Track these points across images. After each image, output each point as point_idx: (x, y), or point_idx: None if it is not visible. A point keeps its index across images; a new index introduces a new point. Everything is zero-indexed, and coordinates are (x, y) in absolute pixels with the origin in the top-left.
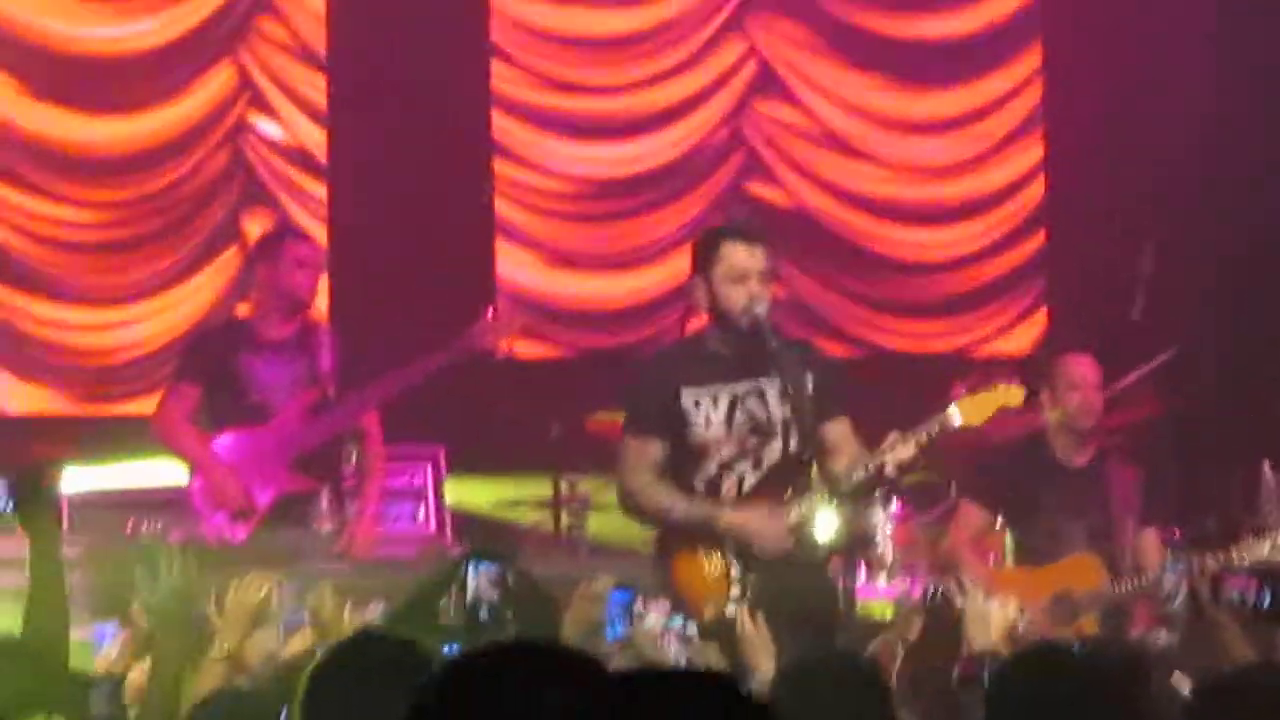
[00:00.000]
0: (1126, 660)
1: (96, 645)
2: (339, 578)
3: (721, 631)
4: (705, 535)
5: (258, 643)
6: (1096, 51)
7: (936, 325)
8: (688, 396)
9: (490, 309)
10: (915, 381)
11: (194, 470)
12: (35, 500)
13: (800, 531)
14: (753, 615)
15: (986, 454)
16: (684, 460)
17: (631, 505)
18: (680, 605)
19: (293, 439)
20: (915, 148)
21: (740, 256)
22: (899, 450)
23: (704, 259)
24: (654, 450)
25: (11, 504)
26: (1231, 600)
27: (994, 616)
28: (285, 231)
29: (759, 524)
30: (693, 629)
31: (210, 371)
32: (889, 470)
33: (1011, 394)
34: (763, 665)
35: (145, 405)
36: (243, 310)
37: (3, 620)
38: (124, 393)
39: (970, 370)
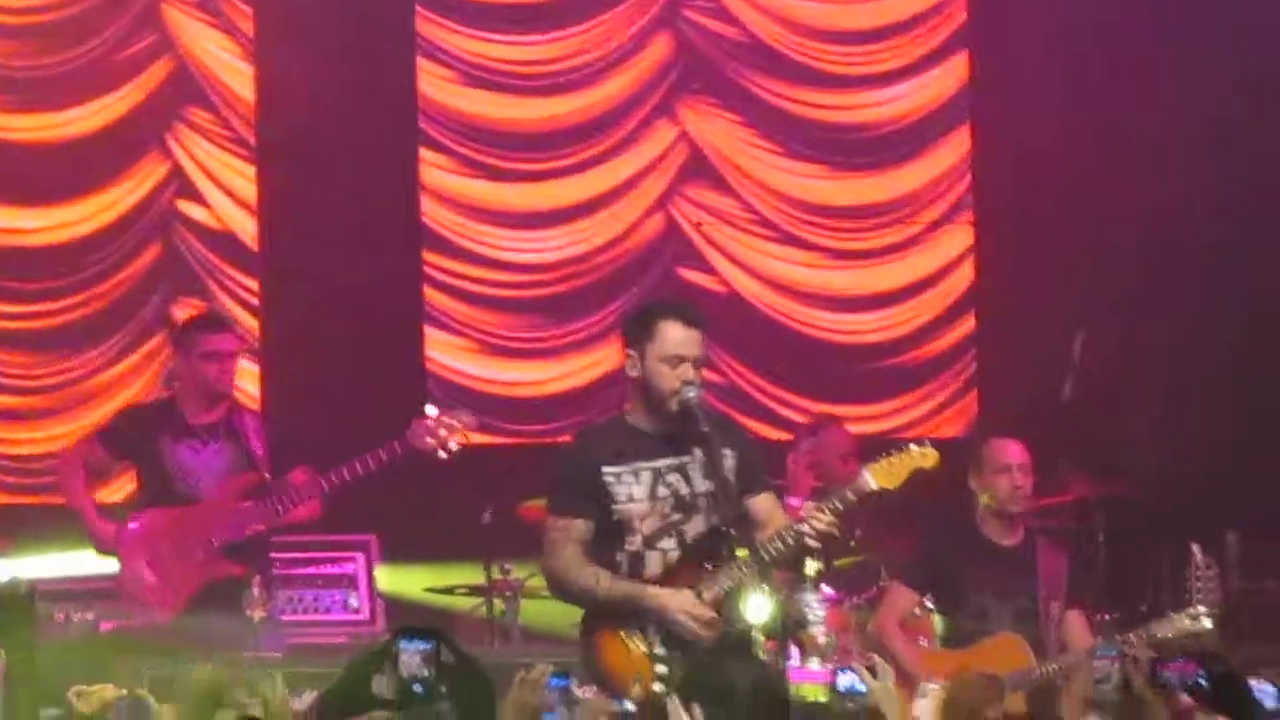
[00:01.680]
0: None
1: None
2: (269, 664)
3: (654, 713)
4: (629, 615)
5: None
6: (1025, 137)
7: (868, 409)
8: (609, 473)
9: (432, 408)
10: None
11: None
12: (9, 612)
13: (725, 606)
14: (688, 706)
15: (917, 536)
16: (607, 537)
17: (556, 585)
18: (606, 686)
19: (225, 524)
20: (845, 232)
21: (678, 338)
22: (816, 518)
23: (640, 335)
24: (577, 529)
25: None
26: (1169, 683)
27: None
28: (196, 323)
29: (682, 608)
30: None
31: (131, 448)
32: (809, 539)
33: (926, 455)
34: None
35: None
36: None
37: None
38: (54, 483)
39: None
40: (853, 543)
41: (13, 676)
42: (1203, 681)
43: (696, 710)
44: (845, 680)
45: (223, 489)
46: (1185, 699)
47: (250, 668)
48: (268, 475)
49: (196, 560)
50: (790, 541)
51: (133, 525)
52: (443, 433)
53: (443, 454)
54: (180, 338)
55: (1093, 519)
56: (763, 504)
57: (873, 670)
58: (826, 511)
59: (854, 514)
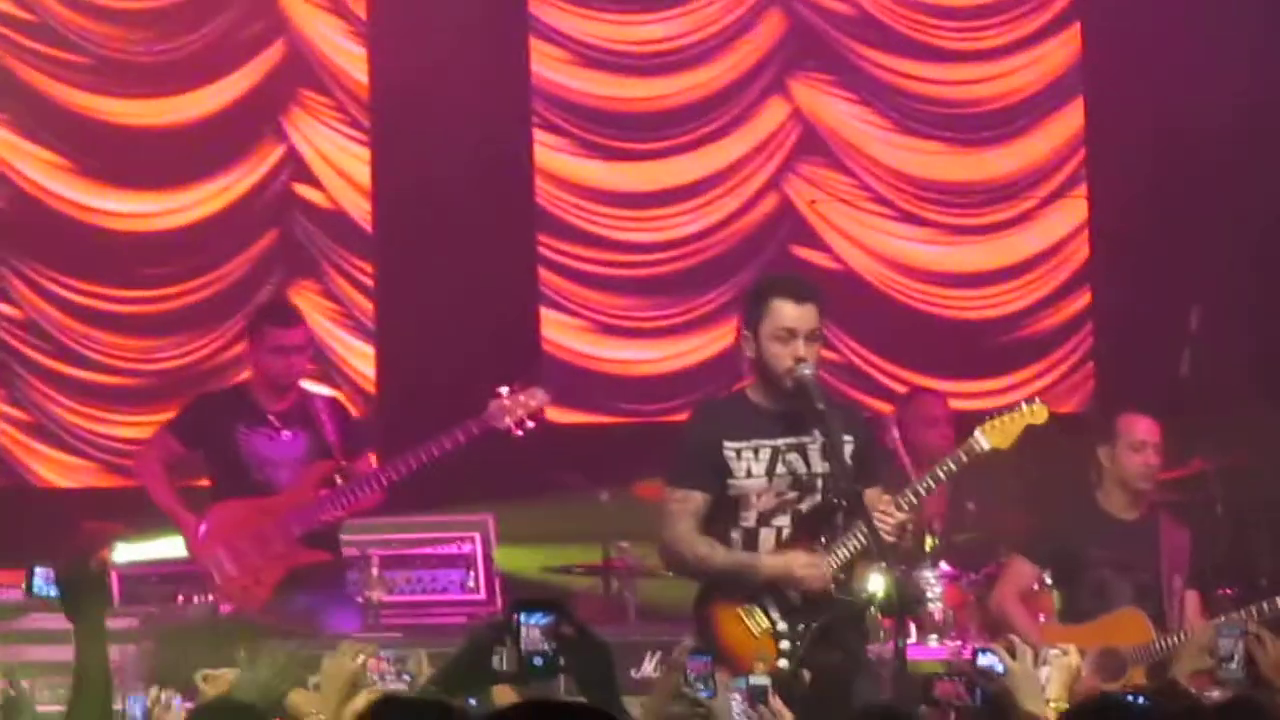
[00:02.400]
0: (1188, 710)
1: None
2: (389, 646)
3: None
4: (746, 591)
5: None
6: (1140, 110)
7: (985, 384)
8: (729, 449)
9: (507, 388)
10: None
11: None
12: (81, 589)
13: (844, 583)
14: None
15: (1036, 511)
16: (722, 511)
17: (670, 555)
18: (726, 663)
19: (304, 513)
20: (959, 208)
21: (788, 315)
22: (888, 515)
23: (752, 314)
24: (695, 502)
25: (57, 592)
26: None
27: (1054, 668)
28: (266, 314)
29: (800, 564)
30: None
31: (205, 438)
32: (885, 533)
33: (1036, 413)
34: None
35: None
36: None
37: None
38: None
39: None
40: (969, 519)
41: (82, 655)
42: None
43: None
44: (985, 660)
45: (301, 477)
46: None
47: (397, 647)
48: (343, 461)
49: (277, 551)
50: (863, 540)
51: (210, 518)
52: (519, 411)
53: (519, 432)
54: (250, 328)
55: (1211, 492)
56: (870, 497)
57: (1011, 651)
58: (901, 507)
59: (969, 488)
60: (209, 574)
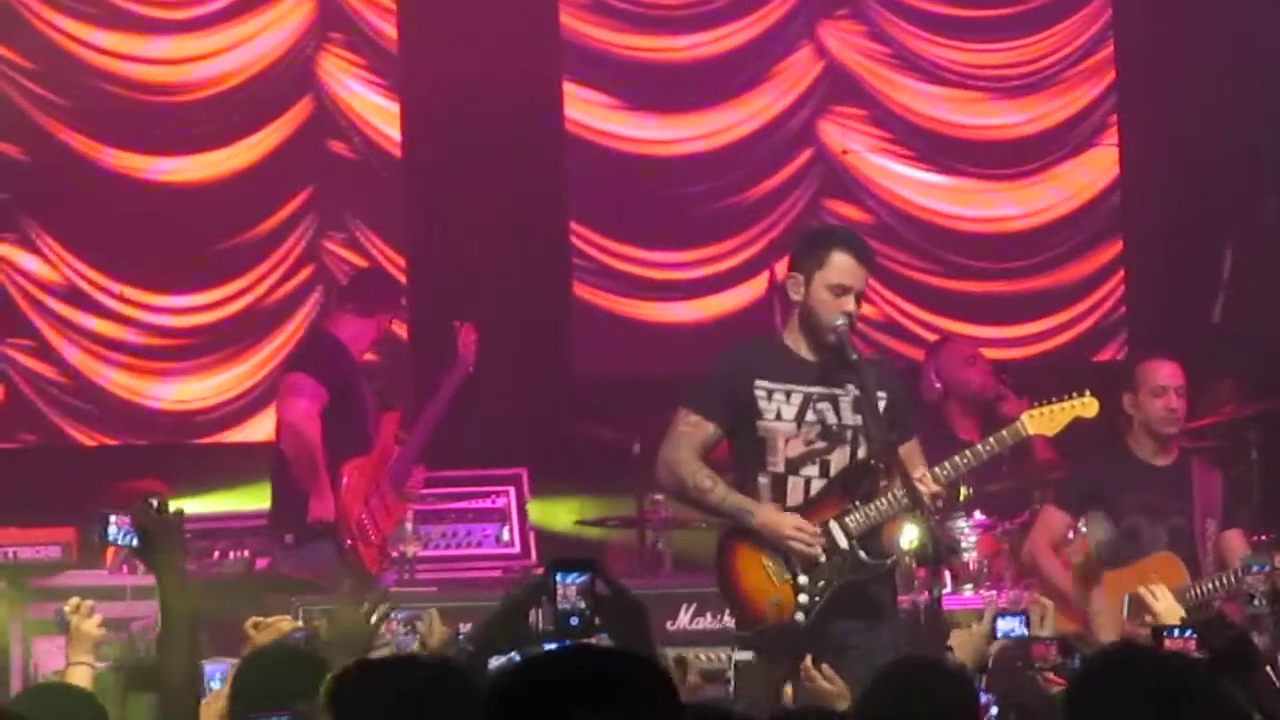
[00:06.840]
0: (1232, 643)
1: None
2: (424, 599)
3: (775, 642)
4: (767, 540)
5: None
6: (1172, 59)
7: (1019, 330)
8: (760, 387)
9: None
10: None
11: (311, 487)
12: (159, 535)
13: (870, 541)
14: (817, 666)
15: (1068, 458)
16: (749, 451)
17: (669, 475)
18: (737, 606)
19: (397, 466)
20: (991, 158)
21: (848, 270)
22: (924, 484)
23: (808, 258)
24: (705, 430)
25: (136, 540)
26: None
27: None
28: (398, 290)
29: (792, 527)
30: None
31: (336, 387)
32: (920, 500)
33: (1086, 405)
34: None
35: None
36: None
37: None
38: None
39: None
40: (1004, 468)
41: (166, 606)
42: None
43: (829, 671)
44: (1005, 625)
45: (384, 429)
46: None
47: (406, 604)
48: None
49: (390, 508)
50: (896, 500)
51: (348, 477)
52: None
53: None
54: (386, 298)
55: (1246, 438)
56: (906, 449)
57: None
58: (938, 481)
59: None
60: (355, 535)
